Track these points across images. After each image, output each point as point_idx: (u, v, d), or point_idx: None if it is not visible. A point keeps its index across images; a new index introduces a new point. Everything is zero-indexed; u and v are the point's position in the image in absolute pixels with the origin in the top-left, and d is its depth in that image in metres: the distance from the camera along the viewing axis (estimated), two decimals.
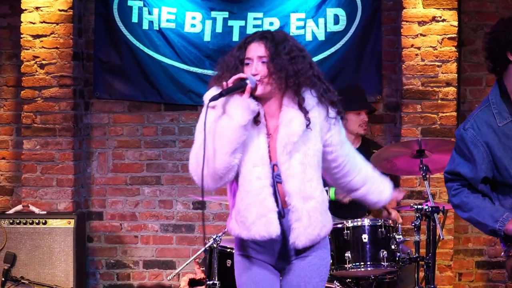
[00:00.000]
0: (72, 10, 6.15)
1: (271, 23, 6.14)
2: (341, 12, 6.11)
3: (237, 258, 3.50)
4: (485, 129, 3.38)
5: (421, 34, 5.91)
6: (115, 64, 6.29)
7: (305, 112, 3.33)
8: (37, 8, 6.13)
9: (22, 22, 6.15)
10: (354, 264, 4.61)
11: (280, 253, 3.40)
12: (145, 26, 6.23)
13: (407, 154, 4.86)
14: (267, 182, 3.31)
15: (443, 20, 5.89)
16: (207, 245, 4.69)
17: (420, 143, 4.78)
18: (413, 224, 4.66)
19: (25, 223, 5.89)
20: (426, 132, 5.92)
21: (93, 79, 6.34)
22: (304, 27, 6.13)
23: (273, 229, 3.29)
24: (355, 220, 4.71)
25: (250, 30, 6.10)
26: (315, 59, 6.00)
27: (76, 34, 6.22)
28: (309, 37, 6.12)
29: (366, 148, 5.46)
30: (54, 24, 6.14)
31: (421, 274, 4.81)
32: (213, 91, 3.32)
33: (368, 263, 4.61)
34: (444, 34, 5.90)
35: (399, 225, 4.75)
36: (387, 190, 3.67)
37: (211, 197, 5.68)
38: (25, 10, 6.14)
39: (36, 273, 5.86)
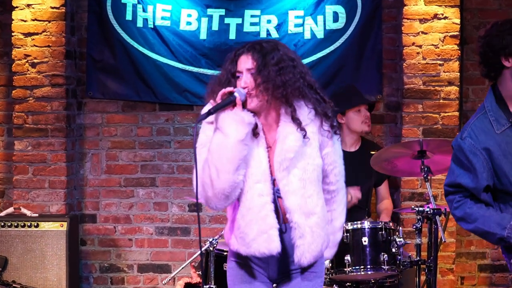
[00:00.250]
0: (64, 8, 6.12)
1: (269, 21, 6.10)
2: (340, 10, 6.07)
3: (230, 264, 3.47)
4: (482, 137, 3.35)
5: (422, 32, 5.89)
6: (108, 62, 6.26)
7: (298, 123, 3.29)
8: (28, 5, 6.10)
9: (13, 19, 6.12)
10: (354, 267, 4.61)
11: (278, 267, 3.39)
12: (140, 23, 6.19)
13: (408, 155, 4.85)
14: (269, 199, 3.30)
15: (445, 18, 5.88)
16: (203, 248, 4.70)
17: (422, 144, 4.77)
18: (414, 227, 4.66)
19: (16, 226, 5.87)
20: (427, 133, 5.90)
21: (86, 78, 6.32)
22: (302, 24, 6.09)
23: (274, 246, 3.28)
24: (355, 222, 4.71)
25: (247, 28, 6.11)
26: (313, 57, 6.03)
27: (69, 32, 6.19)
28: (307, 35, 6.09)
29: (365, 150, 5.53)
30: (46, 22, 6.11)
31: (423, 277, 4.80)
32: (207, 107, 3.30)
33: (368, 266, 4.62)
34: (446, 32, 5.88)
35: (400, 228, 4.76)
36: (327, 253, 3.57)
37: None
38: (16, 7, 6.11)
39: (28, 277, 5.84)
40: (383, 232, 4.63)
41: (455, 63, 5.88)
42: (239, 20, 6.12)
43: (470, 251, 6.23)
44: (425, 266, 4.63)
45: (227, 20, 6.13)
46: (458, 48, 5.88)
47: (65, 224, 5.84)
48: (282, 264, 3.37)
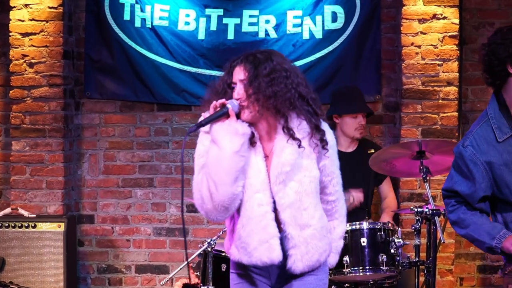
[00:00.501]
0: (62, 8, 6.10)
1: (267, 21, 6.09)
2: (339, 9, 6.06)
3: (232, 276, 3.48)
4: (484, 146, 3.34)
5: (421, 32, 5.88)
6: (106, 63, 6.25)
7: (290, 134, 3.27)
8: (26, 5, 6.08)
9: (10, 19, 6.10)
10: (352, 268, 4.61)
11: (279, 275, 3.39)
12: (138, 23, 6.18)
13: (407, 155, 4.84)
14: (269, 208, 3.29)
15: (444, 18, 5.86)
16: (201, 249, 4.70)
17: (420, 144, 4.76)
18: (413, 227, 4.66)
19: (14, 227, 5.86)
20: (426, 133, 5.88)
21: (84, 78, 6.31)
22: (301, 24, 6.08)
23: (276, 255, 3.28)
24: (354, 223, 4.70)
25: (246, 28, 6.09)
26: (312, 57, 6.03)
27: (66, 32, 6.17)
28: (306, 35, 6.07)
29: (363, 150, 5.50)
30: (44, 22, 6.09)
31: (422, 278, 4.80)
32: (200, 119, 3.29)
33: (367, 267, 4.61)
34: (445, 32, 5.86)
35: (399, 229, 4.75)
36: (331, 259, 3.56)
37: None
38: (14, 7, 6.09)
39: (25, 278, 5.83)
40: (382, 233, 4.63)
41: (454, 63, 5.86)
42: (237, 20, 6.10)
43: (469, 252, 6.21)
44: (424, 267, 4.63)
45: (225, 20, 6.11)
46: (457, 48, 5.87)
47: (62, 224, 5.83)
48: (282, 271, 3.36)
